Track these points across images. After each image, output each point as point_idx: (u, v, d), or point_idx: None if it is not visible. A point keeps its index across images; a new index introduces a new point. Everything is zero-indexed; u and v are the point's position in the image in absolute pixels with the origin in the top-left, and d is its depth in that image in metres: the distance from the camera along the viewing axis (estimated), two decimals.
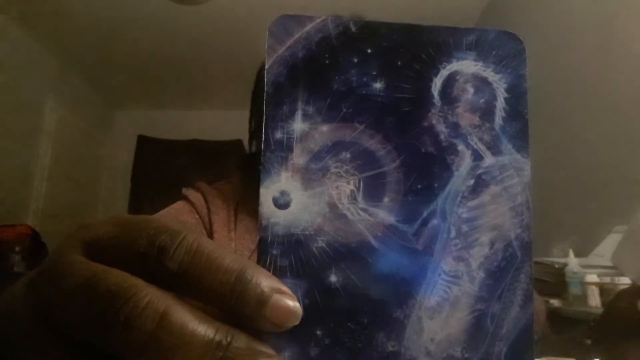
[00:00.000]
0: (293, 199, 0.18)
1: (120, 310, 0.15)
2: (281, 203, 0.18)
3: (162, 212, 0.59)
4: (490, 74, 0.19)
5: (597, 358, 0.52)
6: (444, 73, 0.19)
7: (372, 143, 0.18)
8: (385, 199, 0.18)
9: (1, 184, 2.16)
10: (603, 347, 0.53)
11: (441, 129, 0.19)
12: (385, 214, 0.18)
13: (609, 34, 1.29)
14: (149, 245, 0.16)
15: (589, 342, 0.55)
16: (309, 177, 0.18)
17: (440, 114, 0.19)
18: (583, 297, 1.06)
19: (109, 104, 3.30)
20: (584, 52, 1.40)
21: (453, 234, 0.18)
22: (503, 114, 0.19)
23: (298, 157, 0.18)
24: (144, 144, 3.38)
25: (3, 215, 2.10)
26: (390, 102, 0.19)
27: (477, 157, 0.19)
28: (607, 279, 1.07)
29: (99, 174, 3.24)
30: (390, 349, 0.17)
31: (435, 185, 0.18)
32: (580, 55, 1.41)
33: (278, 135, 0.18)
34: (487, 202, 0.18)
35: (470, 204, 0.18)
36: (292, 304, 0.16)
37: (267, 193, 0.18)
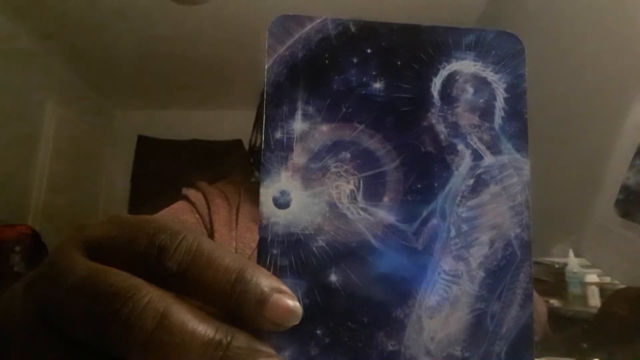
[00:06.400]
0: (293, 198, 0.18)
1: (120, 310, 0.15)
2: (281, 203, 0.18)
3: (162, 212, 0.59)
4: (489, 74, 0.19)
5: (596, 359, 0.52)
6: (443, 73, 0.19)
7: (372, 143, 0.18)
8: (385, 199, 0.18)
9: (1, 183, 2.16)
10: (600, 351, 0.54)
11: (441, 128, 0.19)
12: (385, 214, 0.18)
13: (609, 33, 1.29)
14: (148, 245, 0.16)
15: (585, 345, 0.55)
16: (309, 176, 0.18)
17: (439, 113, 0.19)
18: (583, 297, 1.06)
19: (109, 104, 3.30)
20: (584, 52, 1.40)
21: (453, 234, 0.18)
22: (502, 113, 0.19)
23: (298, 157, 0.18)
24: (144, 144, 3.37)
25: (3, 215, 2.10)
26: (390, 101, 0.19)
27: (477, 156, 0.19)
28: (607, 279, 1.07)
29: (99, 174, 3.23)
30: (390, 348, 0.17)
31: (435, 184, 0.18)
32: (581, 55, 1.41)
33: (278, 135, 0.18)
34: (486, 201, 0.18)
35: (470, 203, 0.18)
36: (292, 303, 0.16)
37: (267, 193, 0.18)
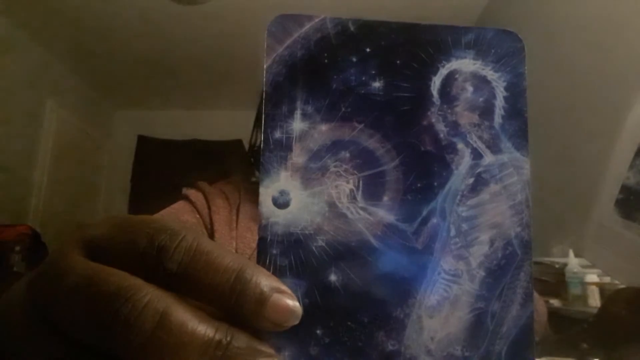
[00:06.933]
0: (292, 198, 0.18)
1: (120, 310, 0.15)
2: (281, 202, 0.18)
3: (162, 212, 0.59)
4: (489, 73, 0.19)
5: (596, 359, 0.52)
6: (443, 72, 0.19)
7: (372, 142, 0.18)
8: (385, 198, 0.18)
9: (1, 183, 2.16)
10: (600, 351, 0.54)
11: (440, 127, 0.19)
12: (384, 213, 0.18)
13: (609, 32, 1.29)
14: (148, 245, 0.16)
15: (585, 345, 0.55)
16: (309, 176, 0.18)
17: (439, 112, 0.19)
18: (583, 297, 1.06)
19: (109, 104, 3.30)
20: (585, 51, 1.40)
21: (453, 233, 0.18)
22: (502, 112, 0.19)
23: (297, 157, 0.18)
24: (144, 144, 3.37)
25: (3, 215, 2.10)
26: (389, 101, 0.19)
27: (477, 155, 0.19)
28: (607, 279, 1.07)
29: (99, 174, 3.23)
30: (391, 347, 0.17)
31: (435, 184, 0.18)
32: (581, 54, 1.41)
33: (277, 134, 0.18)
34: (486, 200, 0.18)
35: (470, 202, 0.18)
36: (292, 303, 0.16)
37: (267, 193, 0.18)
